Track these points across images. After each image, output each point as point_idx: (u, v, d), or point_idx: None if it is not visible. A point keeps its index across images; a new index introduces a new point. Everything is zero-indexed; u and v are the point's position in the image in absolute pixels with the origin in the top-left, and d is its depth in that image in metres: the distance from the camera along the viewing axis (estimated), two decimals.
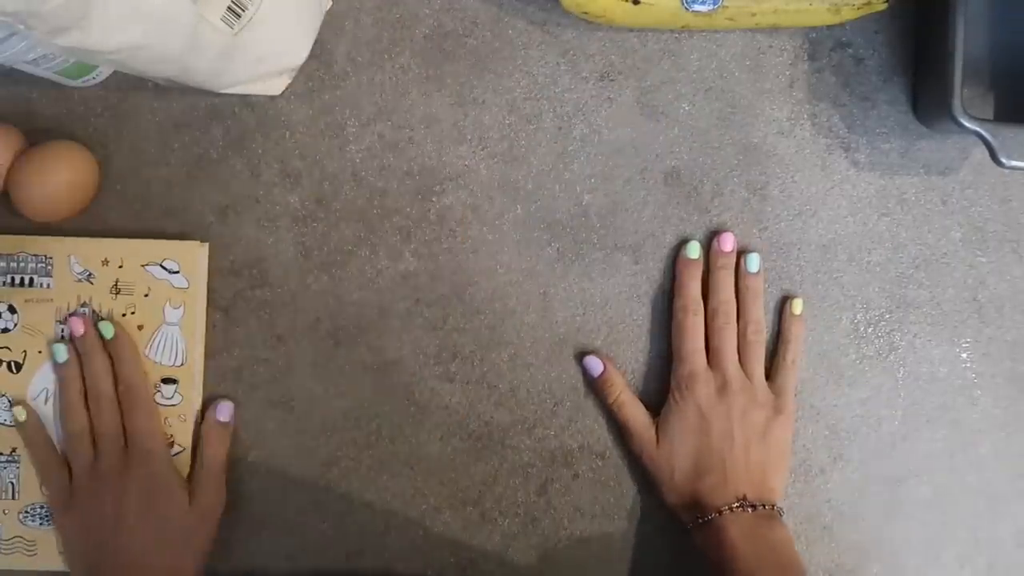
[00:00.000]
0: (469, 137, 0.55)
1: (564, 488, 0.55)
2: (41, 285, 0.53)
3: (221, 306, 0.55)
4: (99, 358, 0.52)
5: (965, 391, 0.57)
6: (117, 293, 0.53)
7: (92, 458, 0.51)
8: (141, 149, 0.55)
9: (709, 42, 0.56)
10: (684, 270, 0.54)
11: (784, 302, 0.55)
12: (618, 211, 0.56)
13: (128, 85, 0.54)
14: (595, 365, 0.54)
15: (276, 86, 0.54)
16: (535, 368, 0.55)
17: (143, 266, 0.53)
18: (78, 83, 0.53)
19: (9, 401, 0.53)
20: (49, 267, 0.53)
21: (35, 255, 0.53)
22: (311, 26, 0.53)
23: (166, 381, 0.53)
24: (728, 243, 0.54)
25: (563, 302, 0.55)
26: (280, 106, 0.55)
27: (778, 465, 0.53)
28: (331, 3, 0.55)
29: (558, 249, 0.55)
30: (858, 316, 0.56)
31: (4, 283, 0.53)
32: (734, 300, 0.54)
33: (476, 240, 0.55)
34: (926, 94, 0.56)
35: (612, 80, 0.56)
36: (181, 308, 0.54)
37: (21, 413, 0.53)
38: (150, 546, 0.49)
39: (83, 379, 0.52)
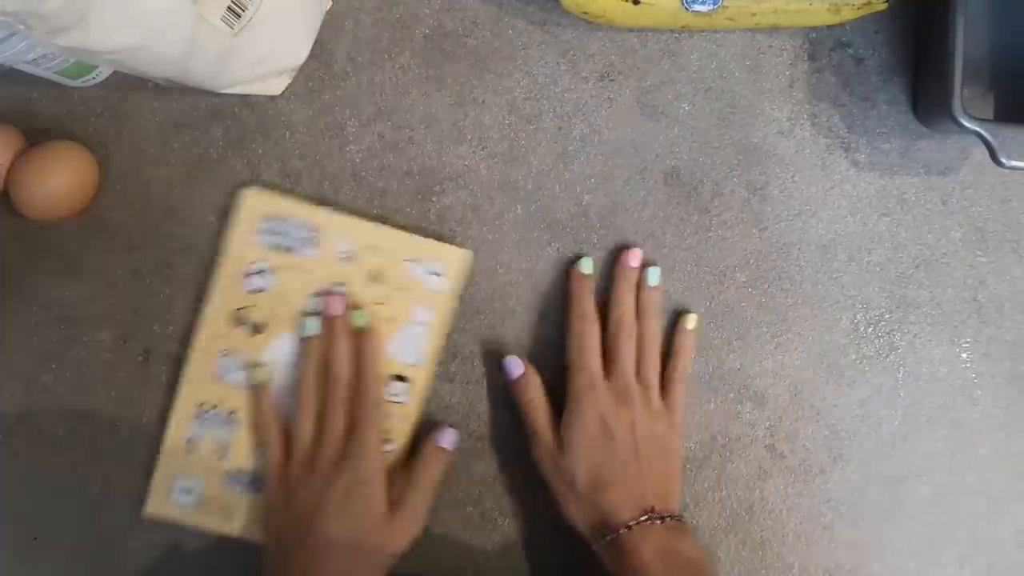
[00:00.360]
0: (469, 137, 0.55)
1: None
2: (303, 255, 0.52)
3: None
4: (346, 342, 0.51)
5: (965, 391, 0.57)
6: (374, 281, 0.53)
7: (312, 439, 0.50)
8: (141, 149, 0.55)
9: (709, 42, 0.56)
10: (577, 284, 0.54)
11: (678, 317, 0.55)
12: (618, 211, 0.56)
13: (128, 85, 0.54)
14: (515, 367, 0.53)
15: (276, 86, 0.54)
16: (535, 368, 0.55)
17: (406, 260, 0.53)
18: (78, 83, 0.53)
19: (243, 362, 0.52)
20: (316, 238, 0.52)
21: (306, 223, 0.52)
22: (311, 26, 0.53)
23: (398, 378, 0.53)
24: (635, 259, 0.54)
25: (563, 302, 0.55)
26: (280, 106, 0.55)
27: (675, 476, 0.52)
28: (331, 3, 0.55)
29: (558, 249, 0.55)
30: (858, 316, 0.56)
31: (271, 245, 0.52)
32: (635, 312, 0.53)
33: (476, 240, 0.55)
34: (926, 94, 0.56)
35: (612, 80, 0.56)
36: (432, 311, 0.53)
37: (264, 374, 0.52)
38: (339, 541, 0.48)
39: (322, 358, 0.51)
